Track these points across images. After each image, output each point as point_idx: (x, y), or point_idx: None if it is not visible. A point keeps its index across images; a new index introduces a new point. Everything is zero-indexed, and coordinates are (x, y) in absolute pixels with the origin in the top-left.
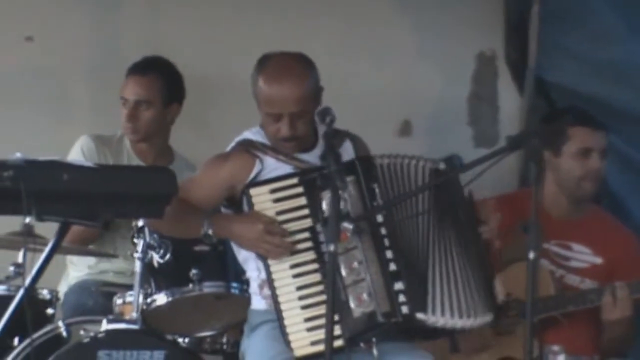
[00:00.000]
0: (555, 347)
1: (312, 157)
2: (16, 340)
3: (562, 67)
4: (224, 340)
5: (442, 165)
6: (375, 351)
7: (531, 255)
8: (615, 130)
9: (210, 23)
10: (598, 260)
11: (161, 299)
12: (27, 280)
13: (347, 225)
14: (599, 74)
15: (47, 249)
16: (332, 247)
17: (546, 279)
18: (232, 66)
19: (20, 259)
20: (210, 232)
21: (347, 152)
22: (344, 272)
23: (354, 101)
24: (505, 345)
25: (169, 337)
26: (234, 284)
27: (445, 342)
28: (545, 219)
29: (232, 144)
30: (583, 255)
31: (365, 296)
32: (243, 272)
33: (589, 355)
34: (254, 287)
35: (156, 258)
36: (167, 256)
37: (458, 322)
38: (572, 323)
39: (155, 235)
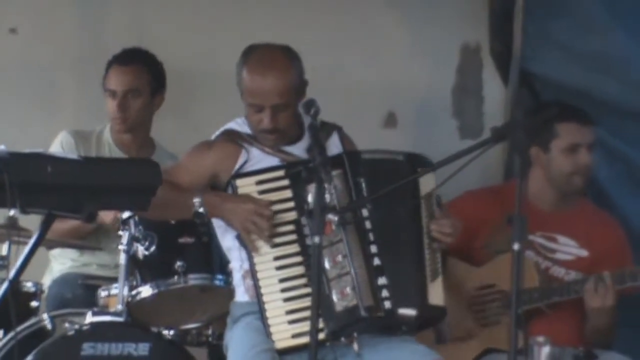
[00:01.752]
0: (541, 338)
1: (298, 150)
2: (0, 333)
3: (547, 59)
4: (209, 332)
5: (400, 157)
6: (356, 346)
7: (516, 246)
8: (600, 122)
9: (195, 14)
10: (584, 252)
11: (146, 291)
12: (12, 273)
13: (332, 217)
14: (584, 65)
15: (31, 242)
16: (316, 239)
17: (531, 271)
18: (216, 57)
19: (4, 252)
20: (201, 210)
21: (335, 144)
22: (327, 266)
23: (339, 93)
24: (491, 336)
25: (154, 329)
26: (219, 276)
27: (431, 334)
28: (531, 211)
29: (217, 133)
30: (568, 248)
31: (348, 290)
32: (228, 263)
33: (573, 346)
34: (237, 278)
35: (141, 250)
36: (152, 248)
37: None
38: (557, 314)
39: (140, 227)
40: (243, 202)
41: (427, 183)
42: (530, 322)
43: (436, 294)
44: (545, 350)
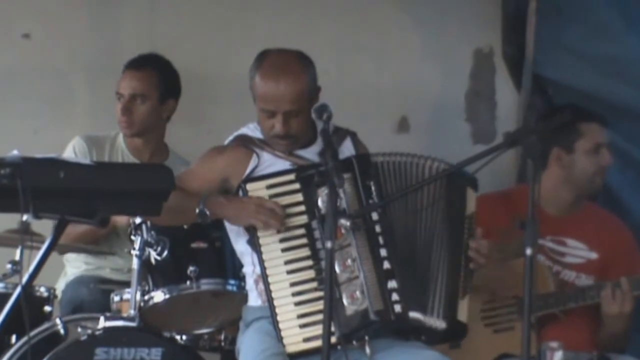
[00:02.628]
0: (554, 344)
1: (310, 154)
2: (14, 338)
3: (559, 63)
4: (222, 337)
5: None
6: (368, 350)
7: (528, 251)
8: (613, 126)
9: (209, 20)
10: (593, 255)
11: (159, 296)
12: (24, 278)
13: (344, 222)
14: (597, 69)
15: (44, 247)
16: (329, 244)
17: (545, 276)
18: (230, 63)
19: (17, 257)
20: (205, 209)
21: (348, 149)
22: (337, 269)
23: (352, 98)
24: (504, 342)
25: (167, 334)
26: (231, 281)
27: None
28: (540, 215)
29: (230, 139)
30: (578, 251)
31: (358, 294)
32: (241, 267)
33: (587, 351)
34: (249, 283)
35: (154, 255)
36: (165, 253)
37: (426, 319)
38: (571, 319)
39: (152, 232)
40: (247, 199)
41: (471, 201)
42: (544, 327)
43: (463, 311)
44: (558, 355)
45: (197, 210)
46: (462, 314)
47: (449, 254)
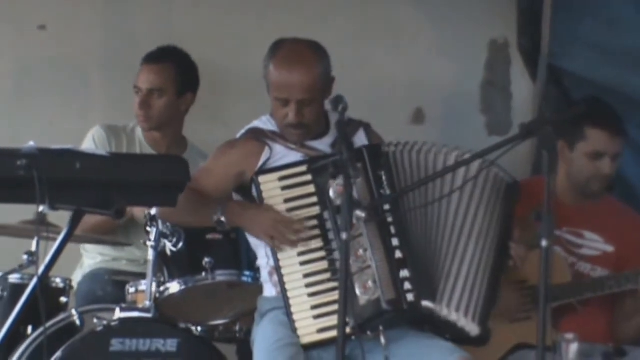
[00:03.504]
0: (569, 335)
1: (323, 145)
2: (30, 329)
3: (575, 55)
4: (237, 328)
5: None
6: (383, 339)
7: (544, 243)
8: (628, 119)
9: (224, 11)
10: (609, 248)
11: (174, 287)
12: (41, 269)
13: (360, 214)
14: (612, 61)
15: (60, 238)
16: (344, 236)
17: (563, 266)
18: (247, 55)
19: (33, 248)
20: (222, 219)
21: (361, 141)
22: (350, 260)
23: (367, 89)
24: (521, 332)
25: (182, 325)
26: (247, 272)
27: None
28: (558, 206)
29: (241, 132)
30: (595, 243)
31: (370, 283)
32: (256, 259)
33: (603, 342)
34: (264, 275)
35: (169, 246)
36: (180, 244)
37: (461, 319)
38: (588, 311)
39: (168, 224)
40: (265, 210)
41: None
42: (561, 318)
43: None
44: (574, 347)
45: (214, 218)
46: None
47: (493, 255)
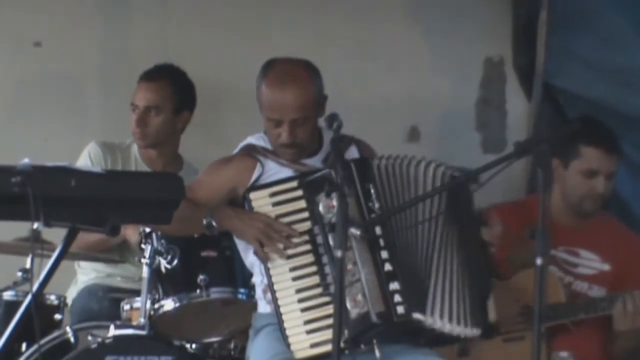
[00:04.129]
0: (564, 354)
1: (315, 162)
2: (24, 346)
3: (570, 73)
4: (232, 346)
5: (457, 172)
6: (377, 353)
7: (539, 261)
8: (624, 136)
9: (220, 29)
10: (606, 267)
11: (169, 304)
12: (35, 286)
13: (355, 231)
14: (608, 79)
15: (54, 255)
16: (339, 254)
17: (556, 286)
18: (242, 73)
19: (28, 265)
20: (213, 222)
21: (353, 156)
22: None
23: (362, 107)
24: (514, 351)
25: (177, 342)
26: (241, 290)
27: (453, 347)
28: (553, 225)
29: (236, 150)
30: (591, 262)
31: (360, 297)
32: (250, 276)
33: None
34: (258, 293)
35: (163, 264)
36: (175, 262)
37: (455, 328)
38: (582, 330)
39: (162, 241)
40: (256, 215)
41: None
42: (555, 337)
43: (492, 309)
44: None
45: (204, 222)
46: (492, 312)
47: (466, 256)
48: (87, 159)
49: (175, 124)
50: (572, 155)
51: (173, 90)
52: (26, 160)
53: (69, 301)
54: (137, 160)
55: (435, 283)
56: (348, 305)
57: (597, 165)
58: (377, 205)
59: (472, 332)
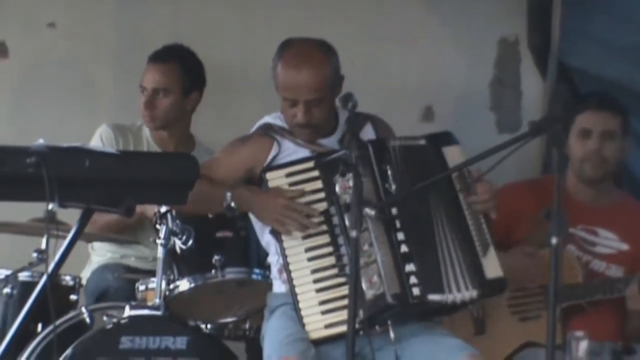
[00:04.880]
0: (579, 333)
1: (332, 142)
2: (39, 327)
3: (585, 52)
4: (247, 326)
5: (422, 142)
6: (392, 334)
7: (554, 241)
8: (637, 115)
9: (233, 9)
10: (624, 246)
11: (184, 285)
12: (50, 267)
13: (369, 212)
14: (623, 58)
15: (69, 236)
16: (354, 234)
17: (574, 266)
18: (255, 53)
19: (43, 246)
20: (232, 204)
21: (369, 135)
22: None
23: (376, 86)
24: (530, 330)
25: (192, 323)
26: (257, 270)
27: (471, 326)
28: (571, 204)
29: (253, 128)
30: (609, 241)
31: (375, 278)
32: (266, 256)
33: (613, 341)
34: (274, 272)
35: (178, 244)
36: (190, 242)
37: (457, 296)
38: (598, 310)
39: (177, 222)
40: (273, 197)
41: (454, 158)
42: (570, 317)
43: (492, 267)
44: (584, 345)
45: (224, 204)
46: (493, 269)
47: (449, 222)
48: (99, 141)
49: (185, 105)
50: (570, 123)
51: (182, 72)
52: (40, 141)
53: (84, 282)
54: (148, 141)
55: (442, 259)
56: (363, 286)
57: (587, 124)
58: (393, 187)
59: (469, 295)
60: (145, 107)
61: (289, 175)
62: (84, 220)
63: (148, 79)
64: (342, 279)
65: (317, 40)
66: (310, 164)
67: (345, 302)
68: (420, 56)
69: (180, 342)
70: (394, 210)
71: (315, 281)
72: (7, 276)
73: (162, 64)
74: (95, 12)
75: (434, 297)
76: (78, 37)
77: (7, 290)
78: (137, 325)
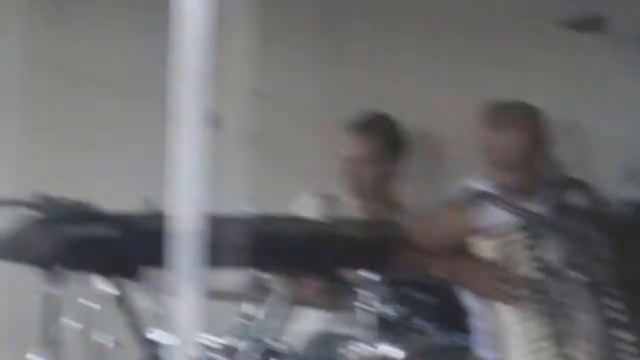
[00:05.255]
0: None
1: (534, 205)
2: None
3: None
4: None
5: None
6: None
7: None
8: None
9: (428, 77)
10: None
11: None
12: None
13: (580, 277)
14: None
15: (276, 304)
16: (562, 300)
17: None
18: (455, 117)
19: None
20: (443, 275)
21: (577, 200)
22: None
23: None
24: None
25: None
26: (460, 334)
27: None
28: None
29: (456, 192)
30: None
31: (585, 345)
32: (468, 319)
33: None
34: (478, 337)
35: (382, 309)
36: (394, 307)
37: None
38: None
39: (381, 287)
40: (482, 268)
41: None
42: None
43: None
44: None
45: (434, 274)
46: None
47: None
48: (299, 209)
49: (385, 174)
50: None
51: (383, 140)
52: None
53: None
54: (349, 206)
55: None
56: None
57: None
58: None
59: None
60: (346, 178)
61: (495, 242)
62: (284, 288)
63: (348, 149)
64: (557, 349)
65: (520, 102)
66: (518, 230)
67: None
68: (619, 114)
69: None
70: (602, 275)
71: (531, 352)
72: None
73: (362, 133)
74: (301, 80)
75: None
76: (280, 106)
77: None
78: None
